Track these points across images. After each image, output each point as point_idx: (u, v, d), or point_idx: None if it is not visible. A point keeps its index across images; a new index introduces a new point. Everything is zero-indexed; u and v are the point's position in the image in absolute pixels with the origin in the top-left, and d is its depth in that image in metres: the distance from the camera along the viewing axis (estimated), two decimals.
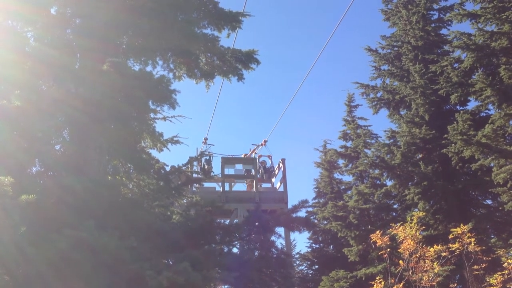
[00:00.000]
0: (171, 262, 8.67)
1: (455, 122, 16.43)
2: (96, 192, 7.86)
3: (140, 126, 10.86)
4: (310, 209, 23.94)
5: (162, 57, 11.20)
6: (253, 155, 20.49)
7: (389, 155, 18.79)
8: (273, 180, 20.12)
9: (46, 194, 7.44)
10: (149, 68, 11.14)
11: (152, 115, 11.33)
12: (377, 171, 19.46)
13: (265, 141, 20.36)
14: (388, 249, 12.94)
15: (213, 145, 19.90)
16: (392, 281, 12.44)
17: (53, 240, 6.33)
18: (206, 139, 19.55)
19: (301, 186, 47.47)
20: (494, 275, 11.92)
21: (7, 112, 7.94)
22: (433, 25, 20.92)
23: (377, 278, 12.90)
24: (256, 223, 10.19)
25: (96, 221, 6.99)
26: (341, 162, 24.34)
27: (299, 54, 51.17)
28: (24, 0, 9.98)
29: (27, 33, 10.34)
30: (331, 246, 24.64)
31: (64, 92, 9.52)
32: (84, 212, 7.32)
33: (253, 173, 18.79)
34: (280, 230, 13.16)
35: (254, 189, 18.40)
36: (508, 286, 11.74)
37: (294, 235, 28.18)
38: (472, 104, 18.34)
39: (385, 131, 20.57)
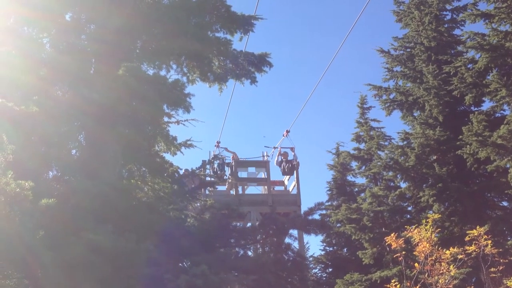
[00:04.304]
0: (186, 266, 8.69)
1: (469, 123, 16.26)
2: (112, 196, 7.93)
3: (154, 130, 10.95)
4: (323, 211, 23.82)
5: (176, 61, 11.29)
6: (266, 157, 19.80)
7: (403, 157, 18.65)
8: (294, 174, 18.64)
9: (63, 198, 7.52)
10: (163, 72, 11.27)
11: (166, 119, 11.41)
12: (391, 173, 19.31)
13: (287, 132, 18.46)
14: (403, 252, 12.84)
15: (226, 148, 19.59)
16: (408, 284, 12.33)
17: (71, 244, 6.40)
18: (218, 142, 19.50)
19: (314, 189, 47.29)
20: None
21: (25, 117, 8.03)
22: (446, 25, 20.76)
23: (393, 281, 12.79)
24: (273, 226, 10.17)
25: (113, 225, 7.04)
26: (354, 164, 24.19)
27: (311, 56, 51.09)
28: (40, 7, 10.11)
29: (43, 39, 10.48)
30: (345, 249, 24.48)
31: (79, 97, 9.61)
32: (100, 216, 7.37)
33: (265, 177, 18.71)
34: (295, 232, 13.14)
35: (267, 192, 18.35)
36: None
37: (307, 238, 28.03)
38: (487, 105, 18.17)
39: (398, 132, 20.44)
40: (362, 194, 22.36)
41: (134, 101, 9.71)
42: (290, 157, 18.71)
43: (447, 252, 11.83)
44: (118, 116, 9.48)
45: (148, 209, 8.95)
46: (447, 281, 11.52)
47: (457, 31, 20.73)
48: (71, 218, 7.09)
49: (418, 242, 12.11)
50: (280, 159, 18.53)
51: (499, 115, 17.27)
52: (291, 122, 28.17)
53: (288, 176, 19.47)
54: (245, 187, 19.28)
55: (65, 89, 9.95)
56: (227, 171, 18.44)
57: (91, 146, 9.68)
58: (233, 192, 18.51)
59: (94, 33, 10.59)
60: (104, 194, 8.00)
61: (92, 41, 10.41)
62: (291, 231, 11.23)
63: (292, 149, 18.80)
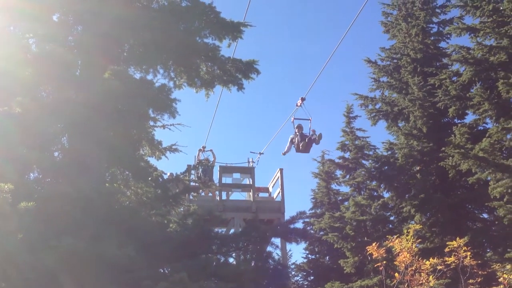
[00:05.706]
0: (167, 272, 8.65)
1: (452, 135, 16.48)
2: (94, 199, 7.87)
3: (139, 134, 10.89)
4: (307, 219, 23.88)
5: (163, 65, 11.24)
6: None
7: (386, 167, 18.83)
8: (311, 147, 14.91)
9: (44, 201, 7.44)
10: (149, 76, 11.19)
11: (151, 123, 11.36)
12: (374, 183, 19.50)
13: (302, 100, 14.44)
14: (384, 262, 12.98)
15: (211, 150, 19.35)
16: None
17: (51, 248, 6.33)
18: (204, 147, 19.37)
19: (298, 196, 47.38)
20: None
21: (8, 118, 7.96)
22: (432, 38, 21.09)
23: None
24: (254, 234, 10.16)
25: (95, 229, 6.99)
26: (338, 173, 24.39)
27: (300, 64, 51.36)
28: (27, 6, 10.01)
29: (29, 39, 10.39)
30: (327, 257, 24.60)
31: (64, 99, 9.54)
32: (82, 219, 7.31)
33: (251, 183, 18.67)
34: (277, 240, 13.16)
35: (251, 198, 18.32)
36: None
37: (290, 246, 27.96)
38: (470, 118, 18.44)
39: (383, 142, 20.65)
40: (346, 203, 22.50)
41: (120, 104, 9.67)
42: (305, 131, 15.24)
43: (427, 262, 11.98)
44: (103, 119, 9.43)
45: (131, 213, 8.90)
46: None
47: (443, 44, 21.11)
48: (51, 221, 7.02)
49: (399, 252, 12.25)
50: (295, 134, 15.11)
51: (482, 128, 17.54)
52: (278, 129, 28.07)
53: (273, 183, 19.50)
54: (230, 193, 19.25)
55: (49, 90, 9.87)
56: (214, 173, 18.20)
57: (74, 148, 9.60)
58: (210, 194, 18.46)
59: (82, 35, 10.52)
60: (86, 197, 7.93)
61: (79, 43, 10.35)
62: (273, 239, 11.26)
63: (309, 121, 15.16)
